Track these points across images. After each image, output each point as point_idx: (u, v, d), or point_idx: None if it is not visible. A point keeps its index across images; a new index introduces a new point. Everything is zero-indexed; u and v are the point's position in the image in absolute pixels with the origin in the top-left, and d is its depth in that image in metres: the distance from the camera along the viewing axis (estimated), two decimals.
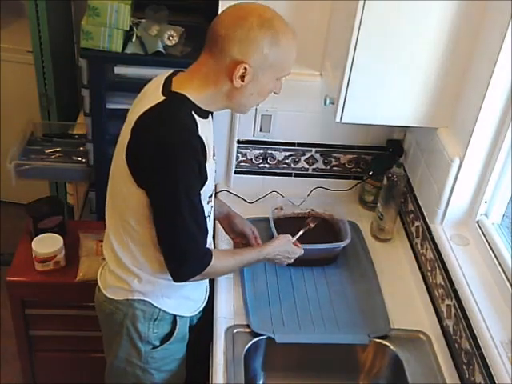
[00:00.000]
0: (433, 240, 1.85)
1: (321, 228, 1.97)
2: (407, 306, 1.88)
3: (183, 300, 1.69)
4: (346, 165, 2.26)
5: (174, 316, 1.68)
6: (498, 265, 1.65)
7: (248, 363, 1.70)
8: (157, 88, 1.49)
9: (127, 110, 1.58)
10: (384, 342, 1.76)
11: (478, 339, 1.54)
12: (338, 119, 1.79)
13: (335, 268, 1.98)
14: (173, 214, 1.45)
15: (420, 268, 1.95)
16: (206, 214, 1.56)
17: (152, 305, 1.63)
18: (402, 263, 2.04)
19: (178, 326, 1.69)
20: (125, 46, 2.11)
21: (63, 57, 2.79)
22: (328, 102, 1.81)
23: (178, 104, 1.46)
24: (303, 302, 1.85)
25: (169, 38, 2.12)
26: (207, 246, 1.60)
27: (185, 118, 1.45)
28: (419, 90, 1.75)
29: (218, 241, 2.01)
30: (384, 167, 2.07)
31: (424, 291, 1.89)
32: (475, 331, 1.56)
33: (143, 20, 2.15)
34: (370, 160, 2.24)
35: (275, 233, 1.89)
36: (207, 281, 1.80)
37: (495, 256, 1.67)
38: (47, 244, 2.10)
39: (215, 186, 1.96)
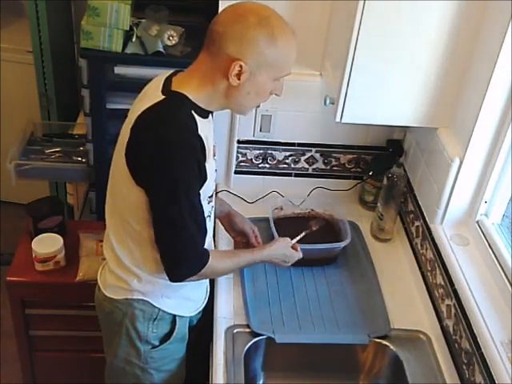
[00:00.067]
0: (433, 240, 1.85)
1: (321, 228, 1.96)
2: (407, 305, 1.88)
3: (183, 300, 1.69)
4: (346, 165, 2.26)
5: (174, 316, 1.68)
6: (498, 265, 1.65)
7: (248, 363, 1.69)
8: (157, 88, 1.49)
9: (127, 109, 1.58)
10: (384, 342, 1.75)
11: (478, 339, 1.54)
12: (337, 119, 1.79)
13: (335, 268, 1.98)
14: (172, 214, 1.45)
15: (420, 268, 1.95)
16: (206, 214, 1.55)
17: (151, 304, 1.63)
18: (402, 263, 2.04)
19: (177, 326, 1.69)
20: (125, 46, 2.11)
21: (63, 57, 2.79)
22: (328, 102, 1.81)
23: (177, 103, 1.46)
24: (303, 302, 1.85)
25: (169, 38, 2.12)
26: (207, 245, 1.59)
27: (184, 117, 1.45)
28: (419, 89, 1.75)
29: (219, 239, 2.01)
30: (384, 167, 2.06)
31: (424, 291, 1.89)
32: (475, 331, 1.55)
33: (143, 20, 2.15)
34: (369, 160, 2.24)
35: (275, 233, 1.89)
36: (207, 281, 1.80)
37: (495, 256, 1.67)
38: (47, 244, 2.10)
39: (215, 185, 1.96)
